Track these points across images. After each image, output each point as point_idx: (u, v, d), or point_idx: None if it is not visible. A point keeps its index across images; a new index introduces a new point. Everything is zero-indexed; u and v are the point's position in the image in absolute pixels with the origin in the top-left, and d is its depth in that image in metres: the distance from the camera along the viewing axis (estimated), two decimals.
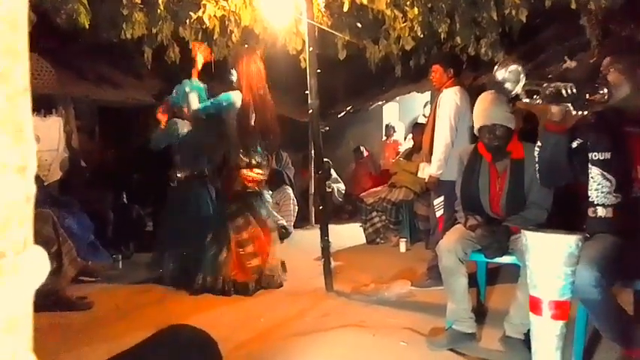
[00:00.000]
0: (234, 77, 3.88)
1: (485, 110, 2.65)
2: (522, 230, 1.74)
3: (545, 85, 1.83)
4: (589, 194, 2.11)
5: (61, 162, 4.92)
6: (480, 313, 2.97)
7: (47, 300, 3.52)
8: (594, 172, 2.09)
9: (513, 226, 2.53)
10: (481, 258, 2.67)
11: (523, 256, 2.39)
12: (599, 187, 2.09)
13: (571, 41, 4.32)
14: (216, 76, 4.25)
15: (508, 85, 1.79)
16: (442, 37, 4.16)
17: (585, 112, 1.85)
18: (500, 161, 2.66)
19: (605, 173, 2.08)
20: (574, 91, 1.81)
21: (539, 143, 2.14)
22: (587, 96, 1.83)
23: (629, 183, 2.05)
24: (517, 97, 1.85)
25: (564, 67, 3.76)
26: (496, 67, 1.84)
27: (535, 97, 1.83)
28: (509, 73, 1.79)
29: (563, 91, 1.80)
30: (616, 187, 2.06)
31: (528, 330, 2.45)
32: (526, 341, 2.45)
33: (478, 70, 5.02)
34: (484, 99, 2.63)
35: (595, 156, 2.11)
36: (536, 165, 2.18)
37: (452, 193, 2.96)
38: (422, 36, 4.17)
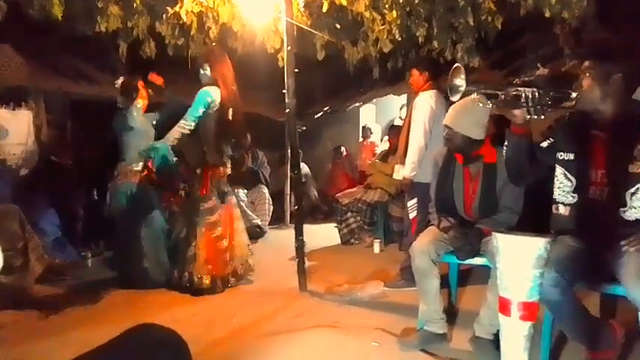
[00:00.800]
0: (208, 73, 3.82)
1: (452, 112, 2.70)
2: (493, 233, 1.77)
3: (506, 90, 1.91)
4: (553, 191, 2.19)
5: (29, 156, 4.79)
6: (451, 313, 3.01)
7: (14, 297, 3.44)
8: (558, 171, 2.18)
9: (485, 228, 2.58)
10: (453, 260, 2.71)
11: (494, 258, 2.45)
12: (561, 185, 2.17)
13: (544, 49, 4.42)
14: (192, 72, 4.19)
15: (461, 89, 1.87)
16: (420, 40, 4.20)
17: (542, 117, 1.92)
18: (473, 164, 2.71)
19: (567, 173, 2.15)
20: (535, 95, 1.88)
21: (505, 143, 2.21)
22: (549, 101, 1.90)
23: (587, 185, 2.11)
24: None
25: (537, 73, 3.85)
26: (450, 73, 1.94)
27: (491, 100, 1.90)
28: (461, 80, 1.87)
29: (523, 96, 1.88)
30: (575, 188, 2.13)
31: (497, 331, 2.52)
32: (495, 342, 2.50)
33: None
34: (458, 103, 2.67)
35: (560, 156, 2.18)
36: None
37: (425, 195, 3.00)
38: (400, 39, 4.20)
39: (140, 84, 4.10)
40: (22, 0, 3.47)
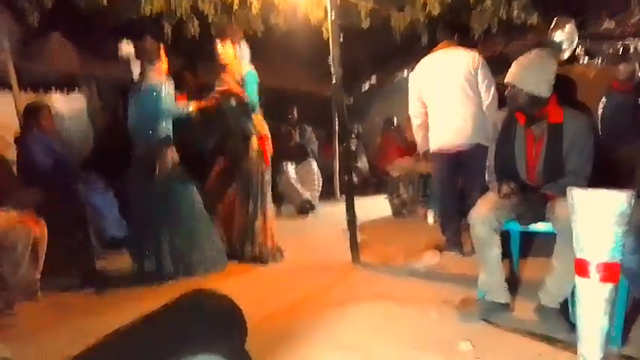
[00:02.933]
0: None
1: (515, 68, 2.50)
2: (569, 188, 1.62)
3: (606, 44, 1.72)
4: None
5: (86, 139, 4.95)
6: (514, 283, 2.87)
7: (77, 274, 3.59)
8: None
9: (549, 193, 2.41)
10: (515, 227, 2.57)
11: (558, 224, 2.30)
12: None
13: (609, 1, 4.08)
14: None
15: (564, 46, 1.68)
16: (471, 0, 3.98)
17: None
18: (537, 125, 2.51)
19: None
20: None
21: (603, 100, 2.00)
22: None
23: None
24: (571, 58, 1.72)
25: (604, 27, 3.55)
26: (551, 27, 1.73)
27: (597, 57, 1.72)
28: (564, 34, 1.67)
29: (632, 50, 1.69)
30: None
31: (564, 300, 2.38)
32: (562, 311, 2.37)
33: (509, 36, 4.80)
34: (523, 57, 2.47)
35: None
36: (598, 122, 2.04)
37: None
38: (449, 1, 3.99)
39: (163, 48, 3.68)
40: None
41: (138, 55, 3.52)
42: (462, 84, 3.49)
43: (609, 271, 1.56)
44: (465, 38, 3.82)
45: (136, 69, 3.48)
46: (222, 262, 3.73)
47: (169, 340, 1.04)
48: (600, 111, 2.02)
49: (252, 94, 3.72)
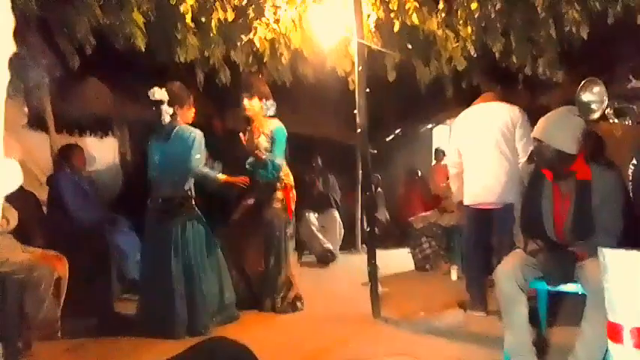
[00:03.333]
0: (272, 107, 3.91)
1: (542, 123, 2.48)
2: (599, 248, 1.55)
3: (635, 104, 1.69)
4: None
5: (115, 181, 5.06)
6: (541, 346, 2.73)
7: (95, 316, 3.58)
8: None
9: (579, 252, 2.34)
10: (543, 286, 2.48)
11: (589, 285, 2.21)
12: None
13: (635, 59, 4.08)
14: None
15: (593, 106, 1.67)
16: (497, 56, 4.03)
17: None
18: (565, 182, 2.47)
19: None
20: None
21: (634, 162, 1.96)
22: None
23: None
24: (601, 117, 1.71)
25: (630, 86, 3.54)
26: (579, 88, 1.73)
27: (627, 117, 1.69)
28: (593, 95, 1.67)
29: None
30: None
31: None
32: None
33: (535, 91, 4.82)
34: (550, 114, 2.47)
35: None
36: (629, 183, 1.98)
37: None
38: (475, 55, 4.05)
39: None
40: (108, 32, 3.68)
41: (169, 101, 3.51)
42: (497, 140, 3.46)
43: None
44: (510, 88, 3.84)
45: (166, 115, 3.49)
46: (233, 315, 3.62)
47: None
48: (631, 171, 1.96)
49: (279, 151, 3.80)
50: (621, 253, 1.47)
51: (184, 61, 4.10)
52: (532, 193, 2.53)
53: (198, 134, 3.42)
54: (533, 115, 3.21)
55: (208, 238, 3.52)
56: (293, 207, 3.90)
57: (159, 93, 3.47)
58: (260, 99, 3.82)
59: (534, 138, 2.47)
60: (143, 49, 3.82)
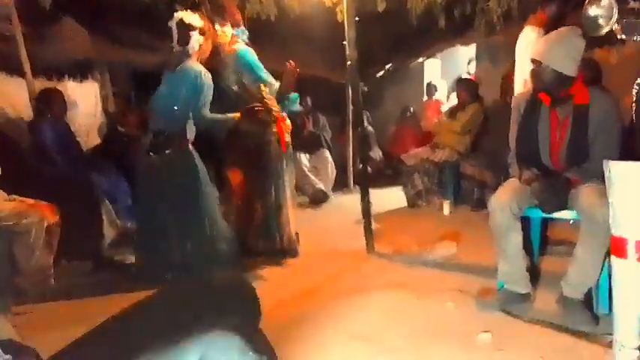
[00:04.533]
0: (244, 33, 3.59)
1: (542, 44, 2.38)
2: (605, 161, 1.50)
3: None
4: None
5: (98, 127, 4.92)
6: (534, 273, 2.77)
7: (90, 261, 3.58)
8: None
9: (574, 178, 2.31)
10: (537, 214, 2.47)
11: (584, 212, 2.20)
12: None
13: None
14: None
15: (601, 21, 1.56)
16: None
17: None
18: (562, 107, 2.39)
19: None
20: None
21: (638, 81, 1.87)
22: None
23: None
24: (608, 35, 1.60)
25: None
26: (587, 2, 1.60)
27: (636, 34, 1.58)
28: (601, 9, 1.56)
29: None
30: None
31: (589, 290, 2.28)
32: (586, 302, 2.28)
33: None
34: (551, 34, 2.36)
35: None
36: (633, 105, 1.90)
37: None
38: None
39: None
40: None
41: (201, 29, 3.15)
42: None
43: None
44: None
45: (196, 44, 3.12)
46: (238, 264, 3.30)
47: (182, 314, 0.99)
48: (635, 91, 1.88)
49: (261, 72, 3.46)
50: (627, 165, 1.41)
51: None
52: (528, 121, 2.46)
53: (208, 79, 3.12)
54: None
55: (200, 178, 3.20)
56: (288, 139, 3.63)
57: (190, 17, 3.13)
58: (232, 26, 3.49)
59: (533, 60, 2.37)
60: None
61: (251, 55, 3.49)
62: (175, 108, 3.11)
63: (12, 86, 4.38)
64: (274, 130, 3.54)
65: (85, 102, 4.83)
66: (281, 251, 3.58)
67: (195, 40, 3.13)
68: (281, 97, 3.56)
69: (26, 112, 4.21)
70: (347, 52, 3.43)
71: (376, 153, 7.39)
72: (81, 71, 4.88)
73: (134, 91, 5.69)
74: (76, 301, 2.96)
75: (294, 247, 3.63)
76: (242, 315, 1.01)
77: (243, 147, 3.59)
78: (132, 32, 5.04)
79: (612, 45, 4.32)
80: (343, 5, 3.54)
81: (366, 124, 7.35)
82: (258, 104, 3.40)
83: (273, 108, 3.50)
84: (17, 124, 4.23)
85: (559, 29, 2.41)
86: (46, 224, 3.04)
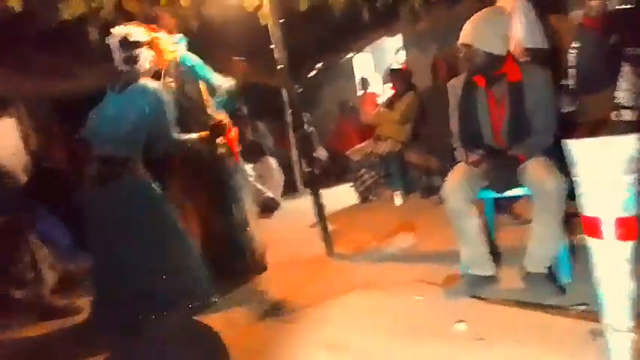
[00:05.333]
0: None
1: (468, 27, 2.37)
2: (565, 141, 1.46)
3: None
4: (615, 95, 1.87)
5: (22, 166, 4.55)
6: (494, 253, 2.78)
7: (33, 310, 3.30)
8: (626, 70, 1.86)
9: (520, 154, 2.32)
10: (490, 194, 2.47)
11: (534, 186, 2.21)
12: (629, 87, 1.85)
13: None
14: None
15: None
16: None
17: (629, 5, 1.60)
18: (497, 86, 2.40)
19: (639, 70, 1.83)
20: None
21: (575, 45, 1.88)
22: None
23: None
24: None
25: None
26: None
27: None
28: None
29: None
30: None
31: (551, 264, 2.30)
32: (549, 275, 2.29)
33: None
34: (475, 16, 2.36)
35: (629, 51, 1.85)
36: (570, 70, 1.91)
37: None
38: None
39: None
40: None
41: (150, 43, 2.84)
42: None
43: (626, 227, 1.39)
44: None
45: (146, 62, 2.82)
46: (210, 293, 2.88)
47: None
48: (572, 56, 1.89)
49: (208, 73, 3.24)
50: (588, 142, 1.38)
51: (71, 18, 3.62)
52: (466, 103, 2.46)
53: (168, 95, 2.84)
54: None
55: (162, 204, 2.84)
56: (238, 149, 3.42)
57: (135, 33, 2.79)
58: (168, 32, 3.18)
59: (463, 44, 2.37)
60: (19, 10, 3.31)
61: (195, 58, 3.25)
62: (128, 130, 2.74)
63: None
64: (222, 141, 3.28)
65: (3, 141, 4.44)
66: (251, 269, 3.37)
67: (145, 57, 2.82)
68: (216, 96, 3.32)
69: None
70: (276, 56, 3.32)
71: (321, 153, 7.33)
72: None
73: (57, 124, 5.31)
74: None
75: (263, 263, 3.45)
76: None
77: (194, 164, 3.29)
78: (44, 59, 4.69)
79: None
80: (265, 8, 3.44)
81: (306, 125, 7.28)
82: (219, 119, 3.19)
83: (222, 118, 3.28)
84: None
85: (483, 10, 2.42)
86: None
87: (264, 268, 3.43)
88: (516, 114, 2.37)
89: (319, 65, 6.56)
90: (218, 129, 3.13)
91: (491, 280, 2.44)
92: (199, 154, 3.23)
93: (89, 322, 2.96)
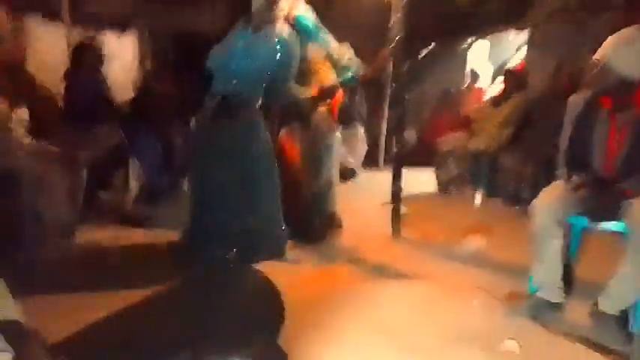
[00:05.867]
0: None
1: (609, 44, 2.17)
2: None
3: None
4: None
5: (133, 82, 4.87)
6: (568, 282, 2.63)
7: (114, 213, 3.59)
8: None
9: (629, 189, 2.14)
10: (580, 221, 2.31)
11: (637, 224, 2.04)
12: None
13: None
14: None
15: None
16: None
17: None
18: (623, 113, 2.20)
19: None
20: None
21: None
22: None
23: None
24: None
25: None
26: None
27: None
28: None
29: None
30: None
31: (626, 307, 2.14)
32: (620, 319, 2.14)
33: None
34: (618, 34, 2.15)
35: None
36: None
37: None
38: None
39: None
40: None
41: None
42: None
43: None
44: None
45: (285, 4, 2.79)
46: (283, 247, 3.00)
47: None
48: None
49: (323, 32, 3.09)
50: None
51: None
52: (585, 123, 2.28)
53: (297, 45, 2.82)
54: None
55: (267, 147, 2.88)
56: (337, 108, 3.43)
57: None
58: None
59: (598, 59, 2.18)
60: None
61: (312, 17, 3.04)
62: (256, 69, 2.75)
63: (50, 31, 4.34)
64: (330, 104, 3.34)
65: (123, 56, 4.77)
66: (329, 227, 3.43)
67: (285, 1, 2.81)
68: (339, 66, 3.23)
69: (62, 59, 4.16)
70: (392, 33, 3.23)
71: (410, 135, 7.17)
72: (120, 23, 4.80)
73: (173, 52, 5.57)
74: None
75: (340, 222, 3.50)
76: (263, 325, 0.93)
77: (298, 117, 3.35)
78: None
79: None
80: None
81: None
82: (332, 84, 3.18)
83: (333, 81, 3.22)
84: (52, 71, 4.19)
85: (627, 28, 2.20)
86: (72, 176, 3.03)
87: (340, 226, 3.49)
88: (637, 148, 2.17)
89: (432, 47, 6.32)
90: (330, 92, 3.17)
91: (557, 307, 2.32)
92: (305, 109, 3.28)
93: (177, 245, 3.02)
